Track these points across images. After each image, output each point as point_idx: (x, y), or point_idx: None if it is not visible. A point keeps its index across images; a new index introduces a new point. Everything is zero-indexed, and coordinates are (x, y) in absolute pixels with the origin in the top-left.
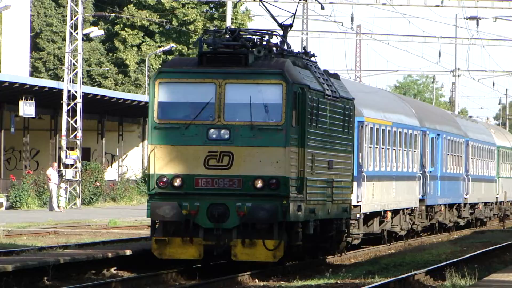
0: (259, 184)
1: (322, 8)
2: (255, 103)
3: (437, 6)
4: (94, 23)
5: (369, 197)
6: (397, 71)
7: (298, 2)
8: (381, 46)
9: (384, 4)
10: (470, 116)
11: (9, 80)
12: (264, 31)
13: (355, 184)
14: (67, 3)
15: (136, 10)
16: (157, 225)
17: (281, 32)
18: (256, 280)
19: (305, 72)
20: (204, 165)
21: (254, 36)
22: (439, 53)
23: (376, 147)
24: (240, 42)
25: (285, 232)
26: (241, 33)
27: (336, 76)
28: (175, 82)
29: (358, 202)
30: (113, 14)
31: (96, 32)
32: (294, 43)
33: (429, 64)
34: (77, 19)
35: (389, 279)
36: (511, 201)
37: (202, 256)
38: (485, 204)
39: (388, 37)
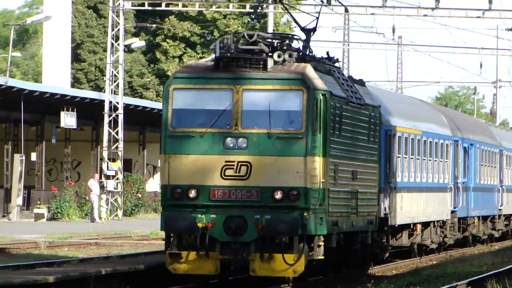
0: (278, 195)
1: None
2: (274, 110)
3: (478, 17)
4: (136, 34)
5: (397, 209)
6: (438, 82)
7: (321, 6)
8: (422, 57)
9: (425, 15)
10: (511, 128)
11: (50, 91)
12: (285, 35)
13: (382, 195)
14: (108, 14)
15: (178, 21)
16: (171, 239)
17: (304, 37)
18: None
19: (327, 78)
20: (221, 175)
21: (274, 41)
22: (481, 64)
23: (405, 157)
24: (259, 47)
25: (306, 245)
26: (260, 37)
27: (361, 82)
28: (190, 88)
29: (385, 214)
30: (154, 25)
31: (138, 43)
32: (336, 53)
33: (470, 75)
34: (118, 30)
35: None
36: None
37: (219, 271)
38: None
39: (429, 48)
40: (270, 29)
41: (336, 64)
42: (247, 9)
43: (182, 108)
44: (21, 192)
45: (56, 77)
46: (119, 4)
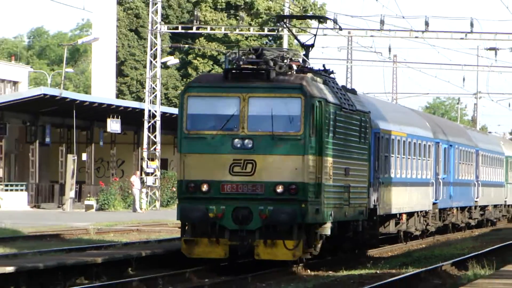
0: (279, 189)
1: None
2: (276, 115)
3: (462, 38)
4: (171, 53)
5: (384, 201)
6: (427, 93)
7: (318, 26)
8: (414, 73)
9: (416, 37)
10: (490, 132)
11: (98, 101)
12: (286, 50)
13: (371, 189)
14: (147, 36)
15: (206, 42)
16: (186, 227)
17: (303, 52)
18: (308, 270)
19: (323, 87)
20: (229, 172)
21: (279, 54)
22: (463, 79)
23: (392, 156)
24: (263, 60)
25: (303, 233)
26: (263, 51)
27: (353, 91)
28: (202, 96)
29: (374, 205)
30: (186, 46)
31: (172, 60)
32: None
33: (454, 87)
34: (156, 49)
35: (420, 270)
36: None
37: (228, 255)
38: (495, 206)
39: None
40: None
41: (332, 75)
42: (265, 32)
43: (196, 113)
44: (74, 186)
45: (103, 89)
46: (157, 27)
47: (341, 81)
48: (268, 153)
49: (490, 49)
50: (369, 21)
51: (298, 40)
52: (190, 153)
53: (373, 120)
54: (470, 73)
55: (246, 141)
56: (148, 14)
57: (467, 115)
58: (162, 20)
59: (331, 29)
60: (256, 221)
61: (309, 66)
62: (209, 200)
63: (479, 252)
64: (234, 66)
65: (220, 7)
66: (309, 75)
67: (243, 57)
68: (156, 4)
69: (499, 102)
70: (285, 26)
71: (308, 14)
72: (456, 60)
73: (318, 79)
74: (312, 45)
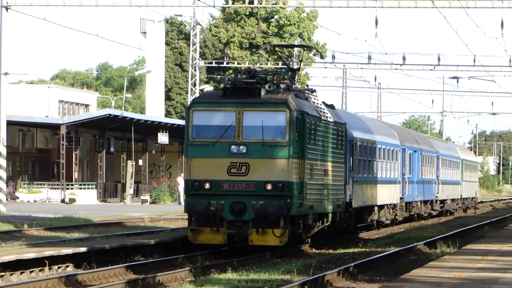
0: (268, 187)
1: (322, 57)
2: (265, 125)
3: (431, 69)
4: (207, 82)
5: (359, 196)
6: (404, 112)
7: (303, 51)
8: (394, 96)
9: (396, 69)
10: (453, 142)
11: (151, 119)
12: (275, 72)
13: (347, 186)
14: (189, 68)
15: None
16: (192, 218)
17: (290, 74)
18: (313, 249)
19: (305, 102)
20: (227, 172)
21: (267, 76)
22: (432, 101)
23: (364, 159)
24: (255, 80)
25: (289, 223)
26: (256, 73)
27: (332, 106)
28: (205, 110)
29: (350, 200)
30: (219, 76)
31: (208, 88)
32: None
33: (425, 108)
34: (195, 79)
35: (400, 248)
36: (470, 198)
37: (226, 241)
38: (452, 200)
39: (399, 91)
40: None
41: (314, 93)
42: (280, 65)
43: (200, 124)
44: (132, 185)
45: (154, 110)
46: (196, 62)
47: (337, 104)
48: (259, 157)
49: (453, 77)
50: (359, 57)
51: (287, 65)
52: (195, 157)
53: (349, 130)
54: (437, 96)
55: (241, 147)
56: (189, 52)
57: (435, 129)
58: (200, 56)
59: (330, 63)
60: (250, 213)
61: (294, 85)
62: (210, 196)
63: (445, 234)
64: (232, 85)
65: (245, 46)
66: (293, 93)
67: (239, 78)
68: (195, 44)
69: (460, 119)
70: (277, 53)
71: (294, 44)
72: (427, 86)
73: (301, 96)
74: (298, 69)
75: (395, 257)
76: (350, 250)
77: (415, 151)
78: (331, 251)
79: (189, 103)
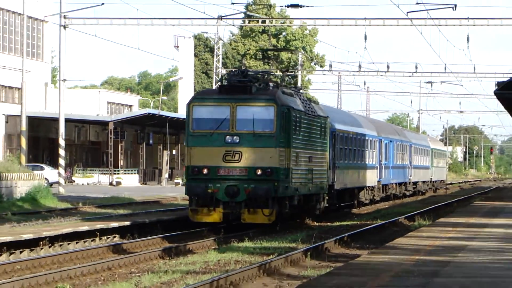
0: (259, 172)
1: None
2: (256, 118)
3: (410, 76)
4: None
5: (340, 179)
6: (388, 111)
7: (291, 53)
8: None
9: (381, 75)
10: (428, 134)
11: (183, 117)
12: (265, 72)
13: (330, 171)
14: (213, 76)
15: None
16: (192, 200)
17: (280, 74)
18: (315, 222)
19: (291, 98)
20: (223, 159)
21: (258, 75)
22: (411, 101)
23: (345, 148)
24: (248, 79)
25: (276, 203)
26: (248, 73)
27: (317, 102)
28: (203, 105)
29: (333, 183)
30: None
31: None
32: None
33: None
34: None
35: (385, 221)
36: (439, 180)
37: (222, 220)
38: (423, 182)
39: (384, 93)
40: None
41: (300, 91)
42: (287, 73)
43: (199, 117)
44: (167, 170)
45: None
46: (219, 70)
47: (333, 104)
48: (250, 146)
49: (428, 82)
50: (352, 66)
51: (277, 66)
52: (195, 146)
53: (331, 122)
54: (415, 97)
55: (235, 137)
56: (213, 63)
57: (413, 124)
58: (222, 66)
59: (327, 71)
60: (242, 195)
61: (283, 84)
62: (208, 180)
63: (422, 210)
64: (227, 84)
65: (259, 57)
66: (280, 90)
67: (233, 77)
68: (218, 56)
69: (433, 116)
70: (270, 56)
71: (283, 47)
72: (406, 90)
73: (288, 93)
74: (287, 70)
75: (381, 229)
76: (345, 223)
77: (391, 141)
78: (329, 223)
79: (189, 100)
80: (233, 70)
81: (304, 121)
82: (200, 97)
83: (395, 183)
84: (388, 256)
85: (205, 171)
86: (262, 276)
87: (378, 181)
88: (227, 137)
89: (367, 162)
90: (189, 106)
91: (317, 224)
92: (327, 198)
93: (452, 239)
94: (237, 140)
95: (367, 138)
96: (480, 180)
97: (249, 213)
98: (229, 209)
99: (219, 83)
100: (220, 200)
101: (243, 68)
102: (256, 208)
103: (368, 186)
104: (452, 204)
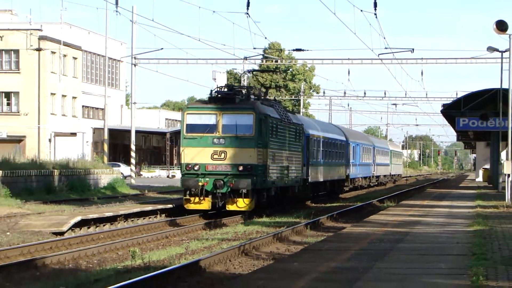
0: (240, 168)
1: (317, 92)
2: (238, 124)
3: (380, 99)
4: None
5: (313, 174)
6: (365, 124)
7: (273, 72)
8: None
9: (360, 99)
10: (390, 140)
11: None
12: (247, 87)
13: (304, 168)
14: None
15: None
16: (186, 191)
17: (264, 89)
18: (312, 204)
19: (269, 108)
20: (211, 158)
21: (242, 89)
22: (381, 118)
23: (318, 149)
24: (233, 92)
25: (255, 194)
26: (234, 87)
27: (293, 112)
28: (195, 113)
29: (307, 177)
30: None
31: None
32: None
33: (377, 122)
34: None
35: (363, 203)
36: (397, 174)
37: (210, 207)
38: (384, 175)
39: (362, 112)
40: (301, 107)
41: (279, 103)
42: (293, 97)
43: (191, 123)
44: None
45: None
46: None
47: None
48: (233, 146)
49: (393, 104)
50: (339, 92)
51: (262, 84)
52: (188, 147)
53: (306, 129)
54: (384, 114)
55: (221, 139)
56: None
57: (383, 134)
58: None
59: (322, 96)
60: (227, 187)
61: (263, 98)
62: (198, 175)
63: (389, 195)
64: (215, 95)
65: (273, 86)
66: (260, 101)
67: (220, 90)
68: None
69: (397, 128)
70: (254, 76)
71: (268, 69)
72: (378, 109)
73: (266, 104)
74: (270, 87)
75: (360, 208)
76: (334, 204)
77: (358, 144)
78: (322, 205)
79: (184, 108)
80: (223, 85)
81: (280, 126)
82: (192, 106)
83: (361, 177)
84: (365, 228)
85: (196, 167)
86: (276, 242)
87: (347, 176)
88: (214, 139)
89: (337, 161)
90: (183, 113)
91: (314, 205)
92: (302, 189)
93: (411, 216)
94: (223, 142)
95: (336, 142)
96: (431, 174)
97: (233, 202)
98: (216, 199)
99: (209, 94)
100: (209, 191)
101: (229, 84)
102: (238, 198)
103: (338, 180)
104: (410, 191)
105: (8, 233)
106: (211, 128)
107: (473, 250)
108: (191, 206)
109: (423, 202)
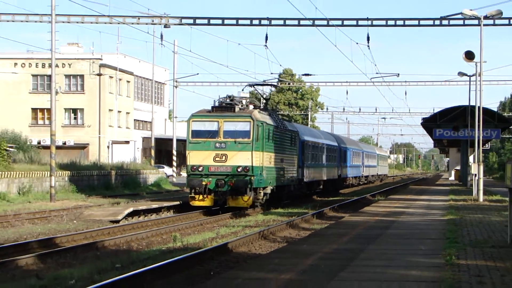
0: (239, 169)
1: (321, 108)
2: (237, 130)
3: (372, 114)
4: None
5: (308, 175)
6: (360, 134)
7: (272, 86)
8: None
9: (356, 114)
10: (380, 146)
11: None
12: (248, 98)
13: (299, 169)
14: None
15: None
16: (191, 190)
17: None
18: (318, 197)
19: (266, 116)
20: (213, 160)
21: (242, 100)
22: (373, 129)
23: (312, 153)
24: (233, 102)
25: (252, 192)
26: (235, 97)
27: (290, 120)
28: (199, 120)
29: (302, 177)
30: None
31: None
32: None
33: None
34: None
35: (359, 197)
36: (383, 174)
37: (213, 204)
38: (372, 175)
39: (358, 124)
40: (309, 120)
41: (277, 112)
42: (303, 113)
43: (196, 129)
44: None
45: None
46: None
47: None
48: (233, 150)
49: (382, 118)
50: (339, 108)
51: (261, 96)
52: (193, 150)
53: (301, 135)
54: (376, 126)
55: (222, 144)
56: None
57: (375, 142)
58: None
59: (325, 111)
60: (227, 186)
61: (262, 108)
62: (202, 175)
63: (379, 190)
64: (217, 105)
65: (286, 103)
66: (257, 110)
67: (222, 100)
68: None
69: (386, 137)
70: (257, 90)
71: (266, 83)
72: (371, 122)
73: (264, 112)
74: (269, 98)
75: (356, 201)
76: (335, 198)
77: (348, 149)
78: (325, 198)
79: (189, 116)
80: (224, 96)
81: (276, 132)
82: (197, 114)
83: (352, 177)
84: (360, 217)
85: (200, 168)
86: (288, 229)
87: (339, 176)
88: (216, 144)
89: (329, 163)
90: (189, 121)
91: (319, 198)
92: (298, 187)
93: (397, 207)
94: (224, 146)
95: (329, 146)
96: (413, 174)
97: (232, 199)
98: (218, 196)
99: (213, 104)
100: (212, 189)
101: (230, 95)
102: (237, 195)
103: (331, 179)
104: (397, 188)
105: (74, 221)
106: (213, 134)
107: (446, 235)
108: (196, 203)
109: (406, 196)
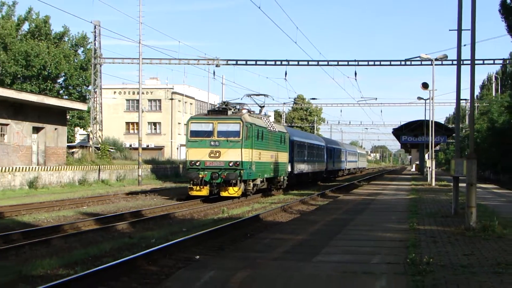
0: (231, 164)
1: (323, 121)
2: (229, 130)
3: (358, 126)
4: None
5: (297, 168)
6: (350, 139)
7: (265, 96)
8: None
9: (348, 125)
10: (364, 148)
11: None
12: (240, 103)
13: (289, 164)
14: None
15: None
16: (190, 182)
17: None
18: (321, 183)
19: (256, 119)
20: (209, 156)
21: (236, 105)
22: (359, 136)
23: (301, 151)
24: (227, 107)
25: (242, 183)
26: (228, 103)
27: (279, 123)
28: (197, 122)
29: (292, 170)
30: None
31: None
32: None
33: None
34: None
35: (349, 183)
36: (362, 167)
37: (208, 194)
38: (354, 168)
39: (349, 133)
40: (315, 127)
41: (268, 116)
42: (307, 124)
43: (194, 129)
44: None
45: None
46: (283, 124)
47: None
48: (225, 147)
49: (365, 128)
50: (335, 121)
51: (257, 103)
52: (191, 148)
53: (291, 136)
54: (361, 135)
55: (216, 142)
56: (281, 122)
57: (361, 145)
58: (285, 122)
59: (326, 124)
60: (220, 178)
61: (251, 110)
62: (199, 169)
63: (364, 178)
64: (212, 109)
65: (299, 118)
66: (248, 113)
67: (218, 105)
68: (283, 119)
69: (369, 142)
70: (253, 99)
71: (261, 93)
72: (358, 131)
73: (254, 116)
74: (263, 106)
75: (347, 185)
76: (333, 183)
77: (333, 148)
78: (326, 183)
79: (188, 119)
80: (217, 103)
81: (266, 133)
82: (195, 117)
83: (337, 169)
84: (351, 196)
85: (197, 163)
86: (301, 204)
87: (325, 169)
88: (211, 142)
89: (316, 159)
90: (188, 122)
91: (322, 184)
92: (288, 179)
93: (376, 190)
94: (217, 144)
95: (317, 145)
96: (386, 167)
97: (225, 190)
98: (212, 187)
99: (209, 109)
100: (207, 181)
101: (224, 101)
102: (229, 186)
103: (319, 171)
104: (375, 177)
105: (154, 199)
106: (209, 134)
107: (410, 208)
108: (194, 193)
109: (382, 182)
